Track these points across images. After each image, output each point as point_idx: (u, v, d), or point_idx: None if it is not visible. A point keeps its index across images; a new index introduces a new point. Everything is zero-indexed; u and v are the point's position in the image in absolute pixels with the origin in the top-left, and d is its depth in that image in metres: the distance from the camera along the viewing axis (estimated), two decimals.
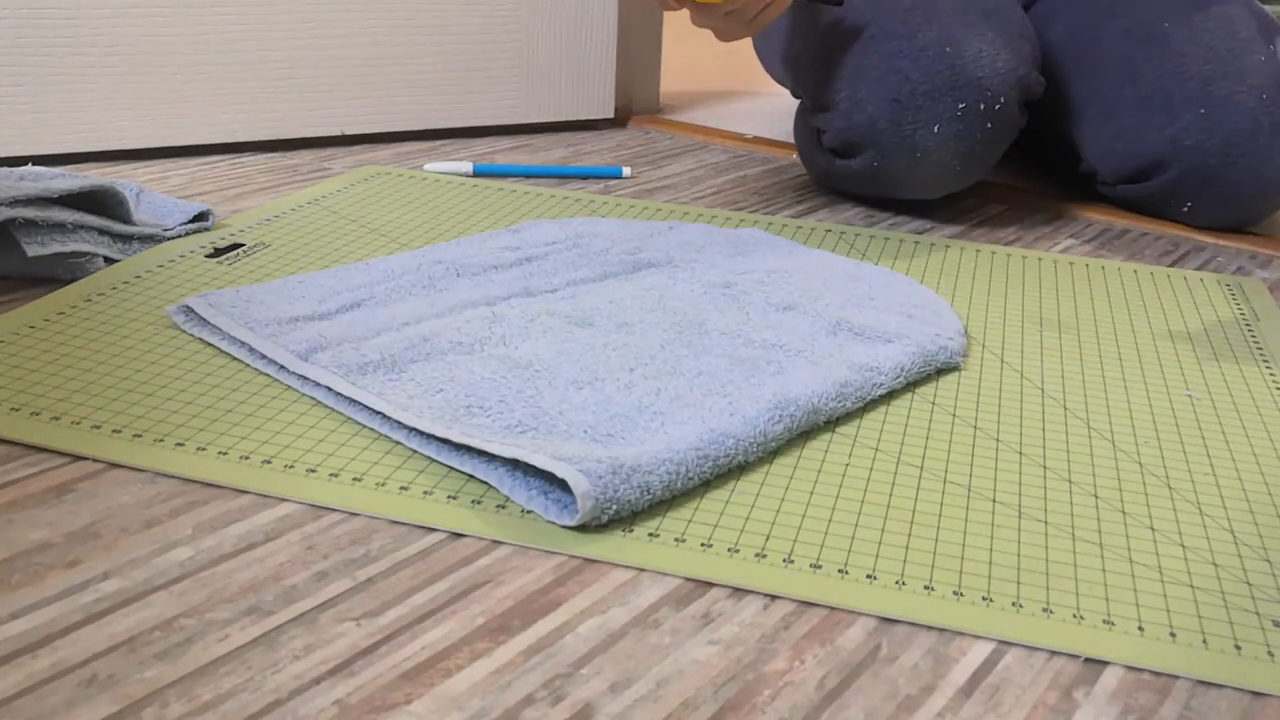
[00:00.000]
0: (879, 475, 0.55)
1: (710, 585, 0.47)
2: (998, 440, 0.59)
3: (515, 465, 0.52)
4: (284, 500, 0.51)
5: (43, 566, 0.45)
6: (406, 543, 0.48)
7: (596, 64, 1.20)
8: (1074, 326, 0.75)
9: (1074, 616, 0.46)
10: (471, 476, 0.52)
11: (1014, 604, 0.46)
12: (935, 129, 0.89)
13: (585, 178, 1.04)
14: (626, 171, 1.05)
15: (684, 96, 1.44)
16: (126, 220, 0.76)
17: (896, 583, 0.47)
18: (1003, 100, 0.89)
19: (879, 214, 0.99)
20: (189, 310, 0.66)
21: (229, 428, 0.55)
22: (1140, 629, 0.45)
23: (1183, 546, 0.51)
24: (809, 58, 0.98)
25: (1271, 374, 0.70)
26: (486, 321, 0.65)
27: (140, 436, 0.54)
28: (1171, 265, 0.90)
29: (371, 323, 0.64)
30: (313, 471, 0.52)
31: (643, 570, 0.48)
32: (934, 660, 0.43)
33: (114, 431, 0.54)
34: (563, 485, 0.50)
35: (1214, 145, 0.92)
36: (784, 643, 0.44)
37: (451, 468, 0.53)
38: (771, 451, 0.56)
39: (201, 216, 0.82)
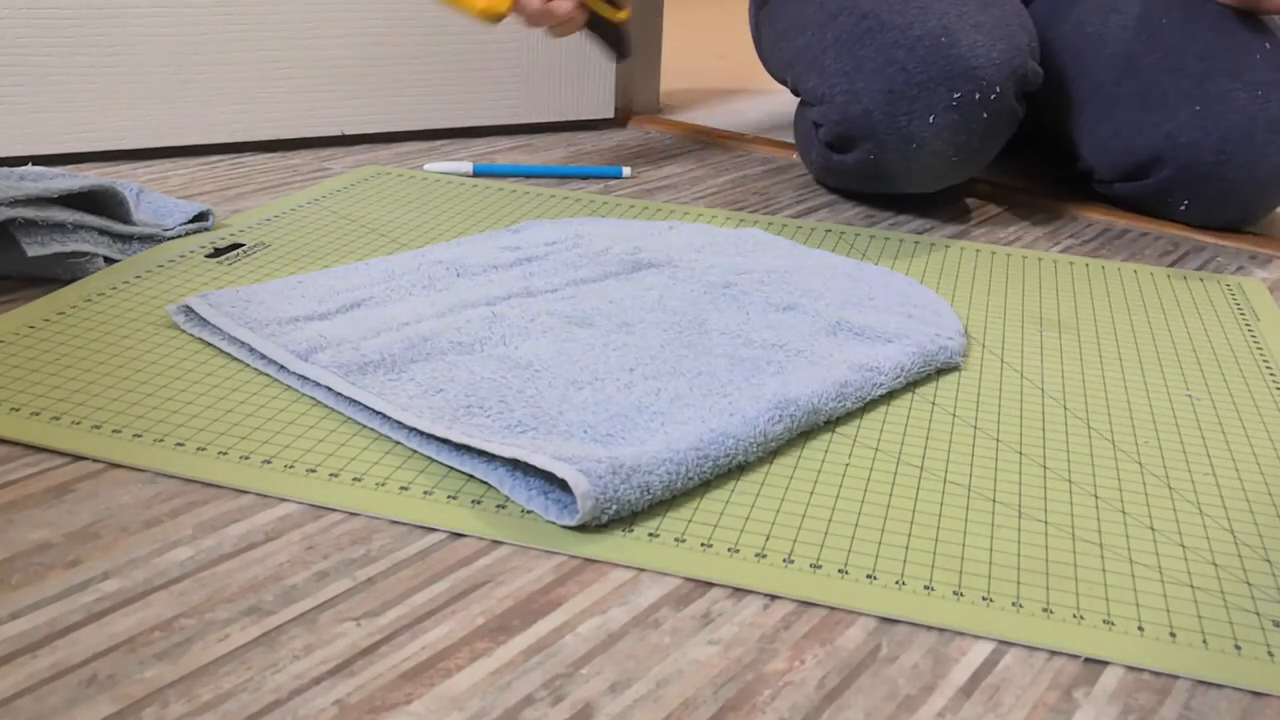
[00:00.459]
0: (879, 475, 0.55)
1: (710, 585, 0.47)
2: (998, 440, 0.59)
3: (515, 465, 0.52)
4: (284, 500, 0.51)
5: (43, 566, 0.45)
6: (406, 543, 0.48)
7: (596, 64, 1.20)
8: (1074, 326, 0.75)
9: (1074, 616, 0.46)
10: (471, 476, 0.52)
11: (1014, 604, 0.46)
12: (930, 119, 0.89)
13: (585, 178, 1.04)
14: (626, 171, 1.05)
15: (684, 96, 1.44)
16: (126, 220, 0.76)
17: (896, 583, 0.47)
18: (999, 90, 0.89)
19: (879, 214, 0.99)
20: (189, 310, 0.66)
21: (229, 428, 0.55)
22: (1140, 629, 0.45)
23: (1183, 546, 0.51)
24: (809, 52, 0.98)
25: (1271, 374, 0.70)
26: (486, 321, 0.65)
27: (140, 436, 0.54)
28: (1171, 265, 0.90)
29: (371, 323, 0.64)
30: (313, 471, 0.52)
31: (643, 570, 0.48)
32: (934, 660, 0.43)
33: (114, 431, 0.54)
34: (563, 485, 0.50)
35: (1209, 142, 0.91)
36: (784, 643, 0.44)
37: (451, 468, 0.53)
38: (771, 451, 0.56)
39: (201, 216, 0.82)
